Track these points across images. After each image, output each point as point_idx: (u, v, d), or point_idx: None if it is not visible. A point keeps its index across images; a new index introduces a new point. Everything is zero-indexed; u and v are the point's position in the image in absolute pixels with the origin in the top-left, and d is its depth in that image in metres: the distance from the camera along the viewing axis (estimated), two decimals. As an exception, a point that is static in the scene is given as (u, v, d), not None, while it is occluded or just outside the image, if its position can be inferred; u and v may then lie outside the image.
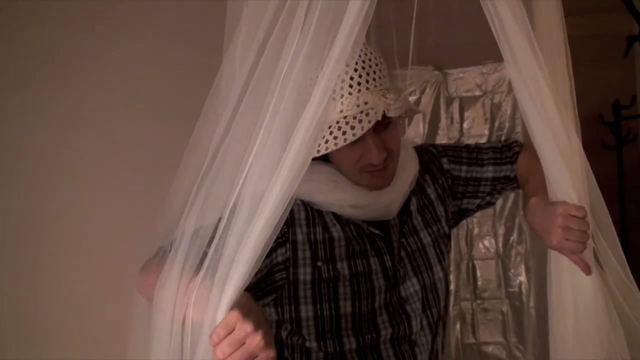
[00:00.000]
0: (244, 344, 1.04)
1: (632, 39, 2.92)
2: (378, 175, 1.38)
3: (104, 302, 2.38)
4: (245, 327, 1.04)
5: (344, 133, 1.28)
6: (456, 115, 3.15)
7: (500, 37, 1.18)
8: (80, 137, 2.37)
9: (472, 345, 3.17)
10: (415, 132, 3.11)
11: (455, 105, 3.14)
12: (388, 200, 1.43)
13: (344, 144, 1.28)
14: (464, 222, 3.12)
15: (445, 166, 1.62)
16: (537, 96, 1.19)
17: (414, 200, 1.52)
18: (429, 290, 1.47)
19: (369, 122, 1.29)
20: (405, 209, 1.50)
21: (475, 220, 3.16)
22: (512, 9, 1.16)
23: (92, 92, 2.37)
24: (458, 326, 3.15)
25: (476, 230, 3.17)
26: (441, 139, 3.13)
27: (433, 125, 3.13)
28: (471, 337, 3.17)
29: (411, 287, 1.45)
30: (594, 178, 1.28)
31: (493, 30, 1.18)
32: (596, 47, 3.52)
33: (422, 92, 3.11)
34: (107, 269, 2.38)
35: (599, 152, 3.53)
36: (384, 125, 1.34)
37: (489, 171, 1.62)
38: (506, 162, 1.62)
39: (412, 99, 3.08)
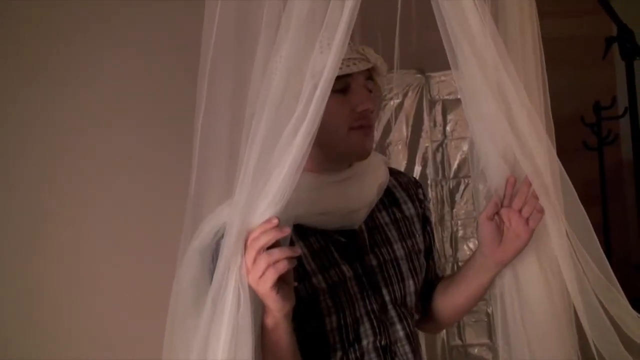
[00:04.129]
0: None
1: (611, 40, 2.94)
2: (366, 133, 1.40)
3: (104, 303, 2.38)
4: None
5: (346, 67, 1.34)
6: (439, 118, 3.16)
7: (459, 40, 1.22)
8: (80, 140, 2.39)
9: (459, 347, 3.18)
10: (399, 135, 3.12)
11: (438, 108, 3.16)
12: (356, 205, 1.43)
13: (342, 73, 1.31)
14: (448, 224, 3.15)
15: (424, 202, 1.65)
16: (502, 98, 1.22)
17: (384, 213, 1.53)
18: (400, 303, 1.47)
19: (366, 64, 1.38)
20: (374, 220, 1.50)
21: (459, 222, 3.17)
22: (477, 11, 1.20)
23: (89, 96, 2.39)
24: (444, 329, 3.16)
25: (460, 233, 3.18)
26: (424, 142, 3.14)
27: (416, 129, 3.14)
28: (457, 339, 3.18)
29: (386, 295, 1.45)
30: (567, 178, 1.30)
31: (451, 32, 1.23)
32: (577, 49, 3.55)
33: (405, 95, 3.12)
34: (107, 270, 2.39)
35: (581, 153, 3.56)
36: (369, 86, 1.41)
37: (435, 255, 1.68)
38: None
39: (395, 102, 3.10)
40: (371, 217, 1.49)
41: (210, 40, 1.26)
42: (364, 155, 1.42)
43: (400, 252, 1.50)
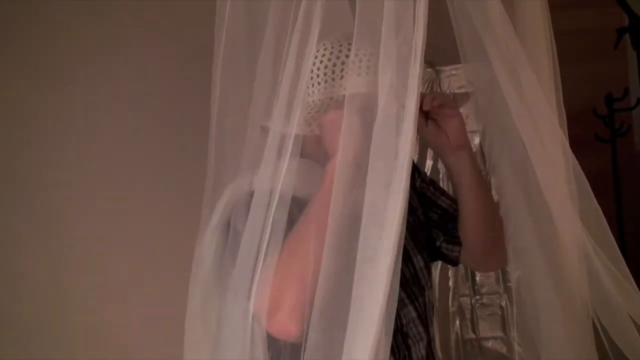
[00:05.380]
0: None
1: (622, 30, 2.92)
2: None
3: (104, 304, 2.39)
4: None
5: None
6: (450, 112, 3.15)
7: (483, 34, 1.20)
8: (82, 141, 2.39)
9: (472, 340, 3.17)
10: (410, 129, 3.12)
11: (449, 102, 3.15)
12: None
13: None
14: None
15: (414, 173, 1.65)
16: (518, 91, 1.21)
17: None
18: (411, 282, 1.48)
19: None
20: None
21: (472, 216, 3.16)
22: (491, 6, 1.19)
23: (93, 97, 2.39)
24: (457, 322, 3.15)
25: (473, 226, 3.17)
26: (436, 136, 3.14)
27: (427, 123, 3.14)
28: (471, 333, 3.18)
29: None
30: (581, 172, 1.29)
31: (466, 23, 1.21)
32: (589, 41, 3.53)
33: (416, 89, 3.11)
34: (107, 272, 2.40)
35: (594, 145, 3.54)
36: None
37: (444, 203, 1.66)
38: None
39: (405, 97, 3.09)
40: None
41: (221, 37, 1.26)
42: None
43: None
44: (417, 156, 3.10)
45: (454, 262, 1.67)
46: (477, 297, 3.17)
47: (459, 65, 3.09)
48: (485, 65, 1.29)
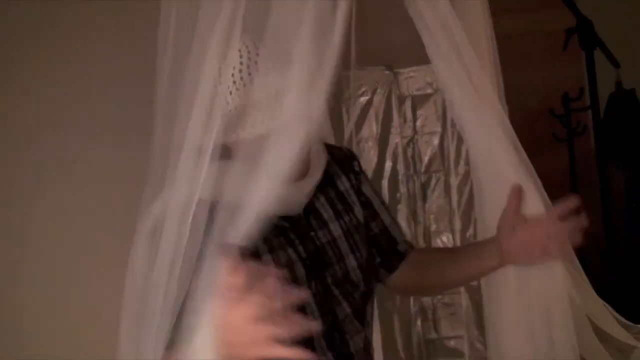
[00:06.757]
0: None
1: (571, 31, 2.96)
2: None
3: (95, 304, 2.37)
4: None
5: None
6: (409, 114, 3.17)
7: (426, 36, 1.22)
8: (73, 140, 2.36)
9: (434, 340, 3.19)
10: (369, 131, 3.13)
11: (408, 104, 3.16)
12: (304, 192, 1.45)
13: None
14: (420, 219, 3.16)
15: (360, 174, 1.67)
16: (466, 92, 1.23)
17: (319, 194, 1.53)
18: (344, 281, 1.50)
19: None
20: (311, 203, 1.51)
21: (432, 217, 3.19)
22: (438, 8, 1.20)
23: (79, 96, 2.36)
24: (419, 322, 3.17)
25: (433, 227, 3.20)
26: (395, 138, 3.15)
27: (386, 125, 3.15)
28: (433, 333, 3.19)
29: (328, 277, 1.48)
30: (535, 173, 1.31)
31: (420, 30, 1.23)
32: (544, 43, 3.58)
33: (374, 92, 3.12)
34: (99, 271, 2.38)
35: (551, 145, 3.59)
36: None
37: (386, 220, 1.69)
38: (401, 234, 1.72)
39: (363, 99, 3.10)
40: (309, 202, 1.51)
41: (168, 38, 1.25)
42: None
43: (337, 231, 1.53)
44: (376, 158, 3.12)
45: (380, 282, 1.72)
46: (439, 296, 3.19)
47: (417, 67, 3.11)
48: (447, 67, 1.30)
